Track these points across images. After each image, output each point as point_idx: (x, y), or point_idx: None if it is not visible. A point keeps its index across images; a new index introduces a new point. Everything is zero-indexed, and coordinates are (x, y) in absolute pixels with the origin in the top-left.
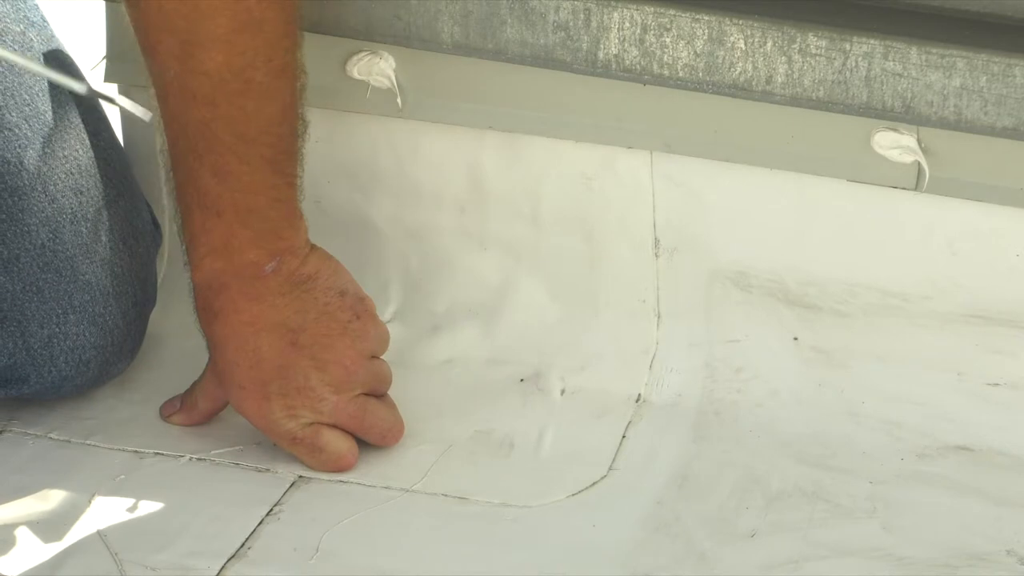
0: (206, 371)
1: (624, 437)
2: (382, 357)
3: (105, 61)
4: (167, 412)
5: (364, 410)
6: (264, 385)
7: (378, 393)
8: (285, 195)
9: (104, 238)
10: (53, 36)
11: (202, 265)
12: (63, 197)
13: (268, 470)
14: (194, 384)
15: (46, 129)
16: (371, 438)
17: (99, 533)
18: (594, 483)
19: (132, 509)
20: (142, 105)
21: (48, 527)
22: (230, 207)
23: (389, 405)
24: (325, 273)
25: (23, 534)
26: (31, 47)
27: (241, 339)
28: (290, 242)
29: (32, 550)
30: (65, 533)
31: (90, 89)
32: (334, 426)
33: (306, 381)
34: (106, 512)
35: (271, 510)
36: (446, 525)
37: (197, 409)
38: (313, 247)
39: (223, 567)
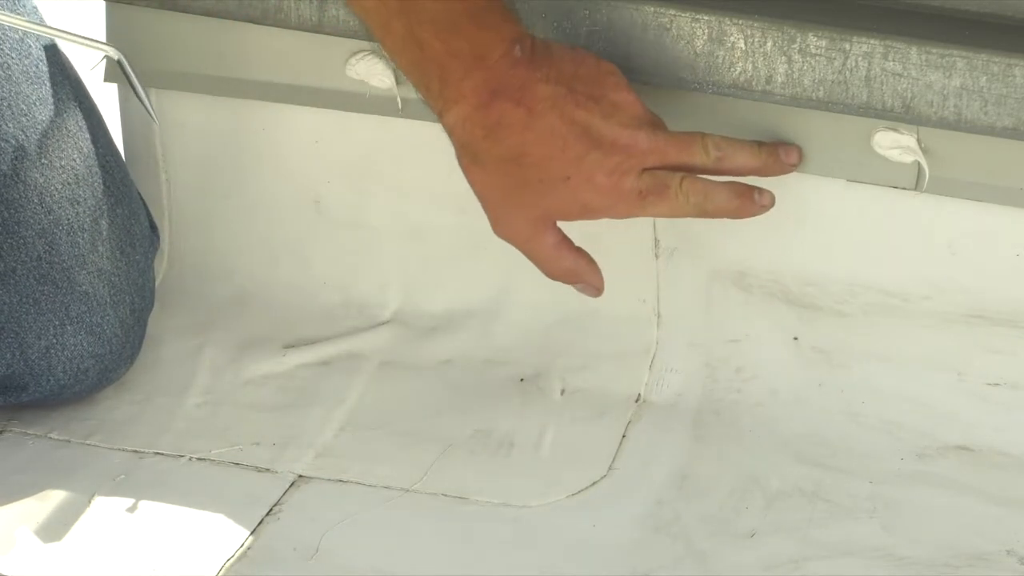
0: (535, 230)
1: (624, 437)
2: None
3: (105, 61)
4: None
5: (670, 139)
6: (580, 165)
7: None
8: None
9: (101, 248)
10: (52, 41)
11: (464, 91)
12: (60, 208)
13: (268, 470)
14: (555, 257)
15: (43, 139)
16: (703, 162)
17: (98, 531)
18: (594, 483)
19: (132, 509)
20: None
21: (48, 527)
22: (464, 18)
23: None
24: (542, 36)
25: (23, 534)
26: (29, 53)
27: (533, 132)
28: (519, 24)
29: (32, 550)
30: (65, 533)
31: (119, 54)
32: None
33: (608, 132)
34: (106, 512)
35: (271, 510)
36: (446, 525)
37: (584, 263)
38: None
39: (223, 567)
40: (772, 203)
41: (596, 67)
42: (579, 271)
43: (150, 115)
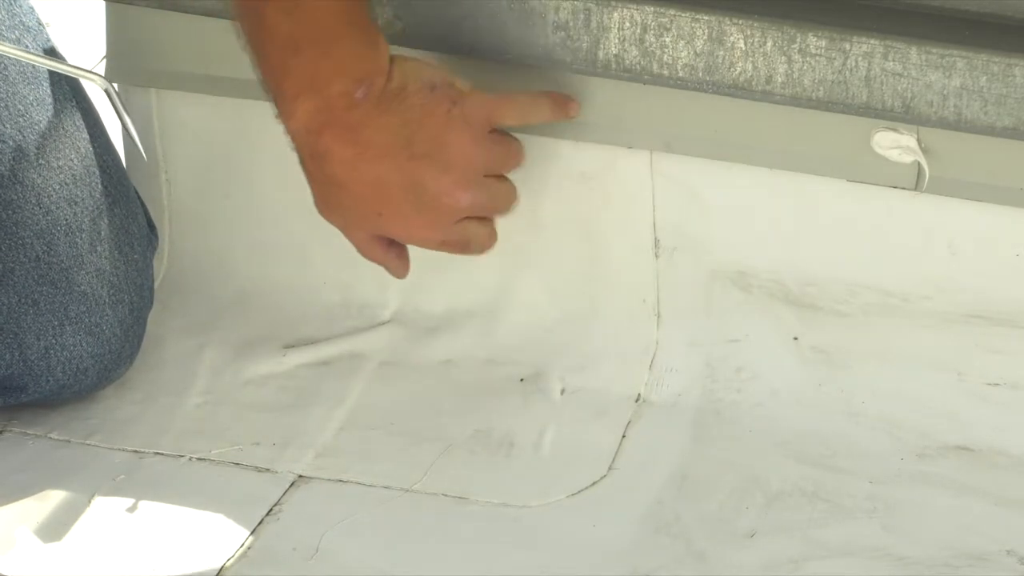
0: (346, 229)
1: (624, 437)
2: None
3: (105, 61)
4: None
5: (489, 193)
6: (399, 208)
7: (506, 164)
8: (357, 18)
9: (99, 247)
10: (49, 41)
11: (295, 111)
12: (58, 208)
13: (268, 470)
14: (366, 251)
15: (41, 139)
16: (502, 212)
17: (98, 531)
18: (594, 483)
19: (132, 509)
20: (142, 105)
21: (48, 527)
22: (306, 41)
23: (503, 176)
24: (411, 76)
25: (23, 534)
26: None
27: (358, 173)
28: (374, 63)
29: (32, 550)
30: (65, 533)
31: (108, 84)
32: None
33: (437, 187)
34: (106, 512)
35: (271, 510)
36: (446, 525)
37: (392, 258)
38: (393, 58)
39: (223, 567)
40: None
41: (445, 121)
42: (384, 264)
43: (138, 149)
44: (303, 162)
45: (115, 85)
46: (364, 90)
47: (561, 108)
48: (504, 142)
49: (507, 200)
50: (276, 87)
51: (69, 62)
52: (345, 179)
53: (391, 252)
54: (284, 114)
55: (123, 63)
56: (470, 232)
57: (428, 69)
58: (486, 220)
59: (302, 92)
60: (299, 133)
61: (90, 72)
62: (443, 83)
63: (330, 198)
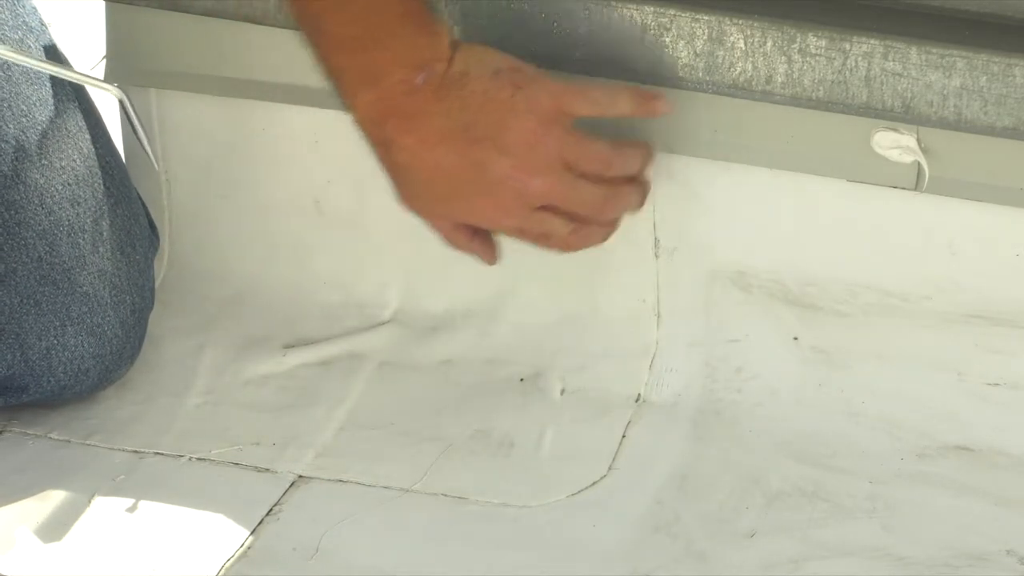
0: (431, 224)
1: (624, 437)
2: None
3: (105, 61)
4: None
5: (571, 188)
6: (467, 192)
7: (590, 162)
8: (412, 8)
9: (101, 248)
10: (52, 41)
11: (357, 103)
12: (60, 209)
13: (268, 470)
14: (450, 240)
15: (44, 140)
16: (587, 212)
17: (98, 531)
18: (594, 483)
19: (132, 509)
20: (142, 105)
21: (48, 527)
22: (363, 39)
23: (597, 178)
24: (473, 62)
25: (23, 534)
26: (30, 54)
27: (423, 159)
28: (432, 51)
29: (32, 550)
30: (65, 533)
31: (122, 94)
32: (550, 208)
33: (500, 171)
34: (106, 512)
35: (271, 510)
36: (446, 525)
37: (477, 246)
38: (457, 44)
39: (223, 567)
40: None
41: (509, 106)
42: (469, 252)
43: (150, 157)
44: (375, 154)
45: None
46: (423, 77)
47: (645, 104)
48: (583, 140)
49: (597, 202)
50: (339, 84)
51: (76, 68)
52: (410, 166)
53: (475, 240)
54: (349, 107)
55: (123, 63)
56: (548, 225)
57: (494, 55)
58: (571, 218)
59: (362, 85)
60: (364, 124)
61: (104, 82)
62: (508, 68)
63: (403, 188)
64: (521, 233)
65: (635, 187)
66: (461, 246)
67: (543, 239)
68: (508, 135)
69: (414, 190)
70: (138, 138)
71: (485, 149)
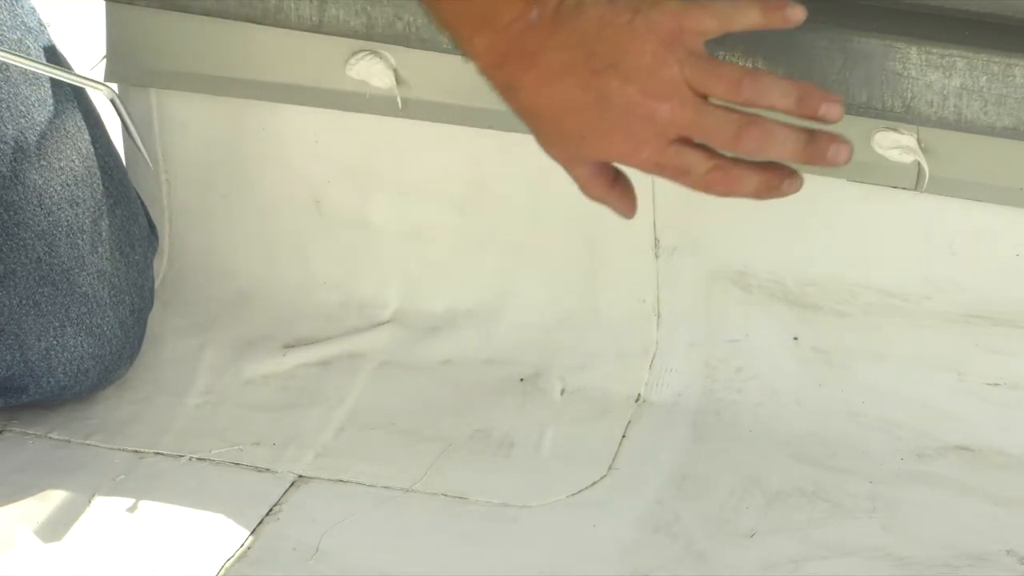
0: (565, 161)
1: (624, 437)
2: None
3: (105, 61)
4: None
5: (704, 115)
6: (596, 126)
7: (711, 80)
8: None
9: (100, 249)
10: (51, 42)
11: (475, 50)
12: (59, 209)
13: (268, 470)
14: (588, 187)
15: (42, 140)
16: (720, 142)
17: (98, 531)
18: (594, 483)
19: (132, 509)
20: (142, 105)
21: (48, 527)
22: None
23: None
24: None
25: (23, 534)
26: (28, 54)
27: (546, 97)
28: None
29: (32, 550)
30: (65, 533)
31: (113, 93)
32: (687, 140)
33: (625, 99)
34: (106, 512)
35: (271, 510)
36: (446, 525)
37: (615, 196)
38: None
39: (223, 567)
40: (799, 188)
41: (627, 31)
42: (607, 202)
43: (143, 156)
44: (504, 100)
45: (117, 93)
46: (537, 12)
47: (775, 12)
48: (710, 61)
49: (729, 130)
50: (455, 34)
51: (73, 68)
52: (537, 106)
53: (615, 189)
54: (468, 54)
55: (123, 63)
56: (686, 158)
57: None
58: (711, 152)
59: (476, 30)
60: (485, 71)
61: (97, 82)
62: None
63: (538, 133)
64: (660, 168)
65: (789, 129)
66: (597, 194)
67: (683, 175)
68: (629, 60)
69: (547, 134)
70: (132, 138)
71: (607, 78)
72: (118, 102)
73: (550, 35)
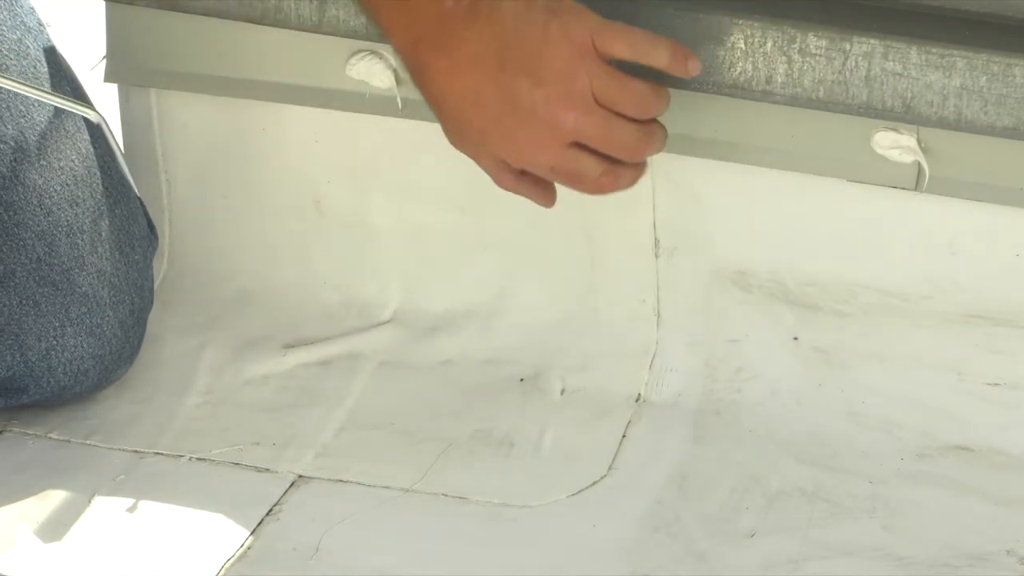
0: (478, 162)
1: (624, 437)
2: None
3: (105, 61)
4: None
5: (604, 124)
6: (500, 123)
7: (625, 101)
8: None
9: (100, 248)
10: (50, 41)
11: (392, 29)
12: (59, 209)
13: (268, 470)
14: (498, 179)
15: (42, 140)
16: (620, 153)
17: (98, 531)
18: (594, 483)
19: (132, 509)
20: (142, 105)
21: (48, 527)
22: None
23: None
24: None
25: (23, 534)
26: (27, 54)
27: (455, 88)
28: None
29: (32, 550)
30: (65, 533)
31: (100, 118)
32: (584, 146)
33: (532, 102)
34: (106, 512)
35: (271, 510)
36: (446, 525)
37: (527, 186)
38: None
39: (223, 567)
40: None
41: (542, 33)
42: (520, 193)
43: (127, 181)
44: (416, 85)
45: (105, 120)
46: (455, 0)
47: (680, 62)
48: (620, 77)
49: (631, 142)
50: (374, 15)
51: (71, 68)
52: (445, 95)
53: (524, 180)
54: (387, 36)
55: (123, 63)
56: (582, 164)
57: None
58: (604, 158)
59: (395, 11)
60: (400, 52)
61: (85, 107)
62: None
63: (444, 122)
64: (554, 172)
65: (663, 130)
66: (509, 185)
67: (575, 179)
68: (542, 64)
69: (452, 125)
70: (119, 165)
71: (517, 77)
72: (105, 127)
73: (465, 25)
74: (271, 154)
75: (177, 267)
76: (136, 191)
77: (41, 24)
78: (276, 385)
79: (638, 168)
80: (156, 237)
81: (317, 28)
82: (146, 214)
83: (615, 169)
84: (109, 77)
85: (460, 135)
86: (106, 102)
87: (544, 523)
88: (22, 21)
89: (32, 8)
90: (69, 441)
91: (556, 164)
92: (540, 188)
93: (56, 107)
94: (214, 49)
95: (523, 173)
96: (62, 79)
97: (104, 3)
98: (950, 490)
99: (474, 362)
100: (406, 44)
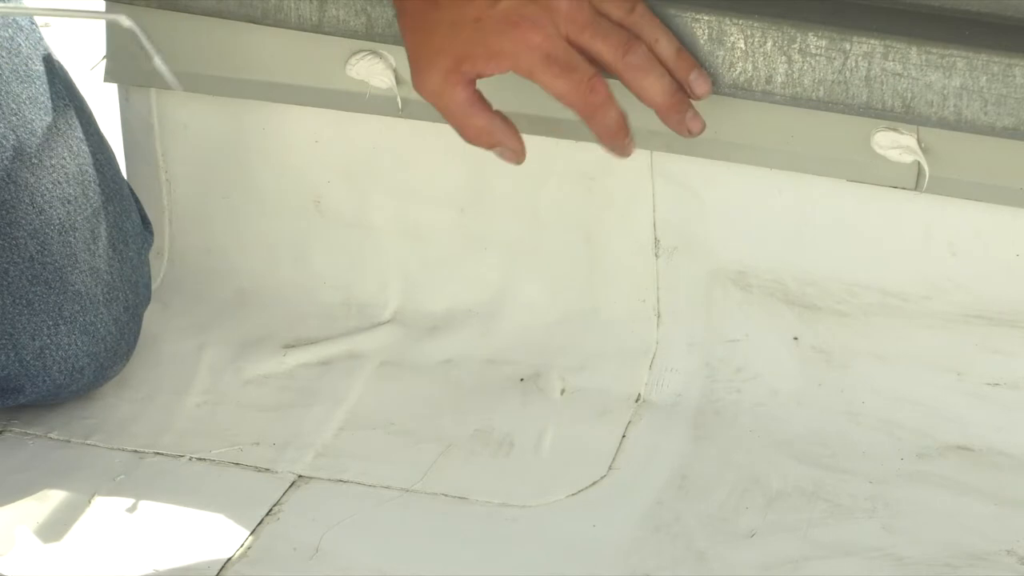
0: (446, 82)
1: (624, 437)
2: None
3: (105, 61)
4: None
5: (594, 16)
6: (495, 7)
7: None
8: None
9: (93, 246)
10: (42, 40)
11: None
12: (51, 208)
13: (268, 470)
14: (458, 111)
15: (33, 138)
16: (612, 51)
17: (98, 531)
18: (594, 483)
19: (132, 509)
20: (142, 104)
21: (48, 527)
22: None
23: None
24: None
25: (23, 534)
26: (19, 51)
27: None
28: None
29: (32, 550)
30: (65, 533)
31: (129, 22)
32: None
33: None
34: (106, 512)
35: (271, 510)
36: (446, 525)
37: (498, 123)
38: None
39: (223, 567)
40: (629, 153)
41: None
42: (493, 131)
43: (120, 178)
44: (400, 4)
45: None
46: None
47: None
48: None
49: (620, 44)
50: None
51: (64, 67)
52: (422, 14)
53: (497, 117)
54: None
55: (123, 63)
56: (576, 58)
57: None
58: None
59: None
60: None
61: (106, 13)
62: None
63: (427, 27)
64: (547, 61)
65: (665, 69)
66: (483, 123)
67: (568, 72)
68: None
69: (436, 23)
70: (155, 62)
71: None
72: (137, 30)
73: None
74: (271, 154)
75: (177, 267)
76: (129, 187)
77: (34, 23)
78: (276, 385)
79: (624, 125)
80: (151, 233)
81: (317, 28)
82: (141, 210)
83: (604, 82)
84: (109, 77)
85: (444, 48)
86: (106, 102)
87: (544, 523)
88: (14, 19)
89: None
90: (69, 441)
91: (551, 50)
92: (511, 131)
93: (48, 104)
94: (214, 49)
95: (496, 114)
96: (54, 76)
97: (104, 3)
98: (950, 490)
99: (474, 362)
100: None
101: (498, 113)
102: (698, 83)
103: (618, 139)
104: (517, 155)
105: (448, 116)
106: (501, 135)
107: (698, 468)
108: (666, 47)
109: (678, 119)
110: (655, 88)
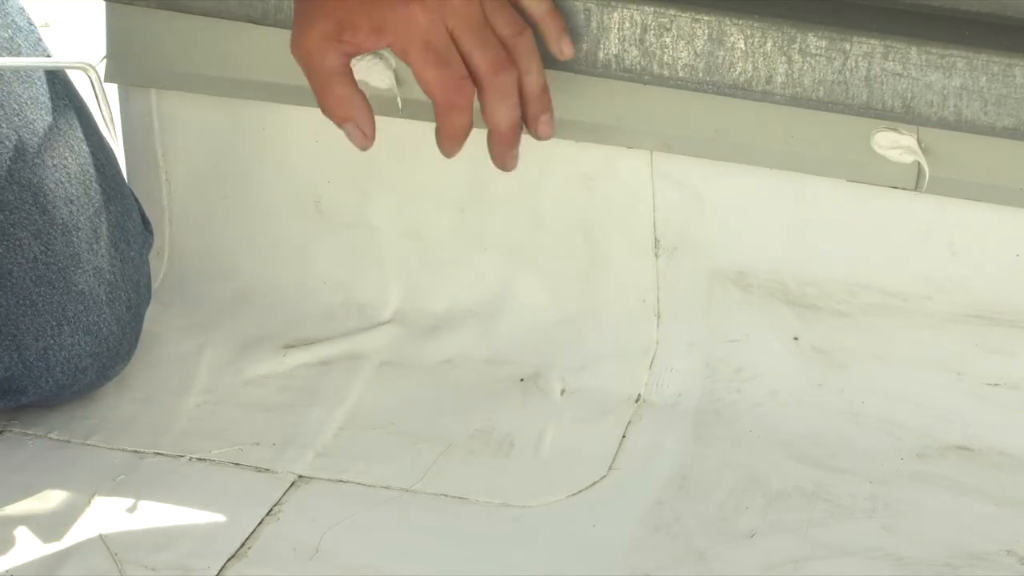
0: (320, 47)
1: (624, 437)
2: None
3: (105, 61)
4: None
5: (482, 21)
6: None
7: (500, 14)
8: None
9: (96, 245)
10: (40, 40)
11: None
12: (54, 208)
13: (268, 470)
14: (323, 77)
15: (35, 139)
16: (484, 60)
17: (99, 533)
18: (594, 483)
19: (132, 509)
20: (142, 104)
21: (48, 527)
22: None
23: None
24: None
25: (23, 534)
26: (18, 52)
27: None
28: None
29: (32, 550)
30: (65, 533)
31: (89, 67)
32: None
33: None
34: (106, 512)
35: (271, 510)
36: (446, 525)
37: (359, 100)
38: None
39: (223, 567)
40: (513, 167)
41: None
42: (352, 105)
43: (121, 178)
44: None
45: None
46: None
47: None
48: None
49: (499, 58)
50: None
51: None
52: None
53: (358, 94)
54: None
55: (123, 63)
56: (454, 54)
57: None
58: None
59: None
60: None
61: (75, 63)
62: None
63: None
64: (426, 48)
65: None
66: (346, 93)
67: (442, 66)
68: None
69: (319, 5)
70: (103, 117)
71: None
72: (95, 76)
73: None
74: (271, 154)
75: (177, 267)
76: (129, 187)
77: (31, 23)
78: (276, 385)
79: (471, 123)
80: (151, 233)
81: None
82: (141, 210)
83: (466, 88)
84: (109, 77)
85: (328, 11)
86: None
87: (544, 523)
88: (12, 20)
89: (22, 8)
90: (69, 441)
91: (431, 37)
92: (368, 112)
93: (48, 104)
94: (214, 49)
95: (359, 90)
96: (55, 77)
97: (104, 3)
98: (950, 490)
99: (474, 362)
100: None
101: (360, 91)
102: (545, 126)
103: (455, 144)
104: (366, 138)
105: (313, 79)
106: (357, 111)
107: (698, 468)
108: (534, 81)
109: (503, 150)
110: (503, 116)
